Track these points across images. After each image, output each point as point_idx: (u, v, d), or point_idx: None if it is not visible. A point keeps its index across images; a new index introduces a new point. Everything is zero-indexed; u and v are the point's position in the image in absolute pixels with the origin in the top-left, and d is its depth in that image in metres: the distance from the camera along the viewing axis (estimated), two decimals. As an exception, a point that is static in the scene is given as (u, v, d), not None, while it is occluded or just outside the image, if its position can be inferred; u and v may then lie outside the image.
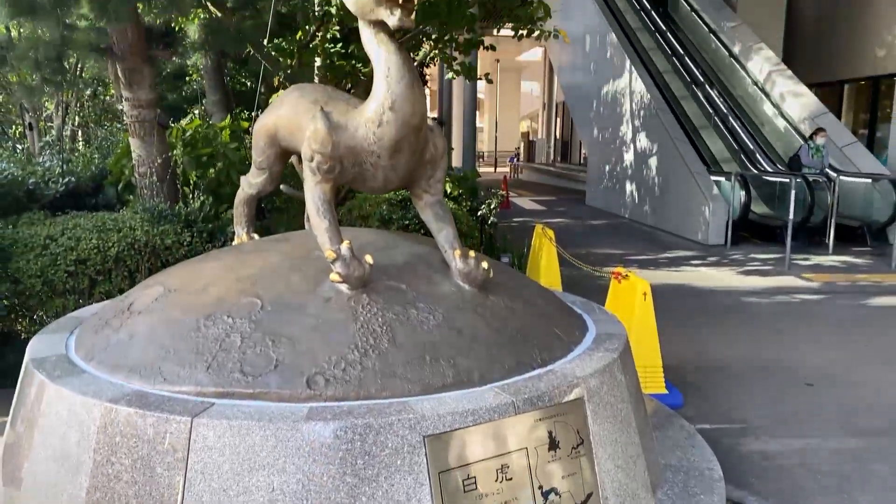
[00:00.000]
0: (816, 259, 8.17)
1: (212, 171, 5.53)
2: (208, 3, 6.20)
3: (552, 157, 30.19)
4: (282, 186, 3.32)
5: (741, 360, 4.58)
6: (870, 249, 8.81)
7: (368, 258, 2.29)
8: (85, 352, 2.32)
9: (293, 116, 2.61)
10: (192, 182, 5.55)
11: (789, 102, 11.03)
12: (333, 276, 2.23)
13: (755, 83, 11.91)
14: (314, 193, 2.37)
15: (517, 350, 2.24)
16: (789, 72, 11.45)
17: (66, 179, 5.46)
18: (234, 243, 3.19)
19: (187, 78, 11.16)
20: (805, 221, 8.82)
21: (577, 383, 2.14)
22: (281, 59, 6.37)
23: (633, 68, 12.08)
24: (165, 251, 4.37)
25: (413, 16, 2.24)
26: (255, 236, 3.15)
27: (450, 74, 7.65)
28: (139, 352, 2.16)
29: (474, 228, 6.49)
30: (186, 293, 2.38)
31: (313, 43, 6.42)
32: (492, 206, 7.18)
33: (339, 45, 7.11)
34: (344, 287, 2.25)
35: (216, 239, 4.63)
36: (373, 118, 2.28)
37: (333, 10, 5.68)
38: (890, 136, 10.03)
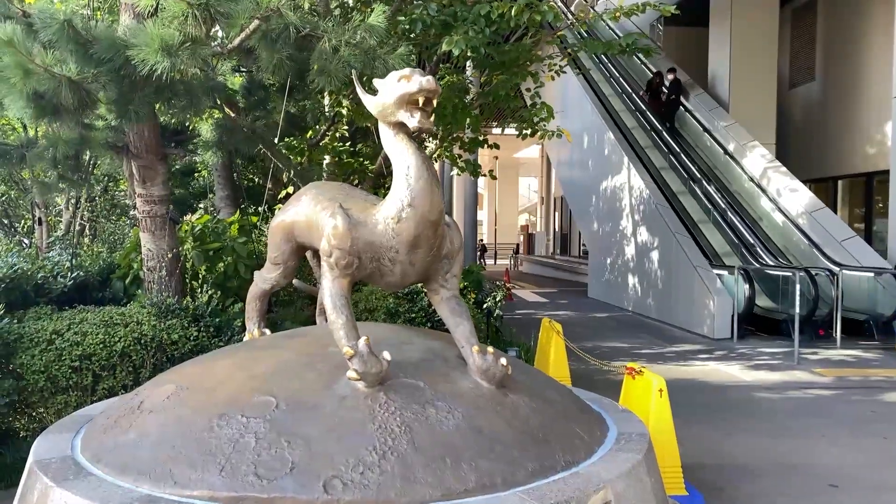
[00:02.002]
0: (825, 353, 8.07)
1: (220, 265, 5.57)
2: (222, 104, 6.44)
3: (551, 249, 30.51)
4: (294, 281, 3.33)
5: (760, 459, 4.44)
6: (878, 343, 8.74)
7: (386, 355, 2.26)
8: (92, 453, 2.25)
9: (310, 213, 2.65)
10: (200, 276, 5.57)
11: (786, 197, 11.25)
12: (350, 374, 2.20)
13: (751, 179, 12.20)
14: (332, 289, 2.37)
15: (540, 451, 2.17)
16: (784, 168, 11.75)
17: (75, 274, 5.47)
18: (245, 339, 3.16)
19: (196, 174, 11.44)
20: (811, 315, 8.78)
21: (604, 486, 2.06)
22: (291, 156, 6.55)
23: (631, 165, 12.40)
24: (171, 346, 4.32)
25: (432, 118, 2.32)
26: (267, 331, 3.13)
27: (455, 171, 7.86)
28: (149, 453, 2.09)
29: (480, 322, 6.45)
30: (199, 391, 2.33)
31: (323, 141, 6.62)
32: (497, 299, 7.18)
33: (347, 143, 7.34)
34: (361, 385, 2.21)
35: (223, 333, 4.59)
36: (392, 214, 2.31)
37: (344, 112, 5.90)
38: (889, 230, 10.16)
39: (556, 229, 30.33)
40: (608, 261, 13.78)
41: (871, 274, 9.37)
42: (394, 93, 2.26)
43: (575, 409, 2.58)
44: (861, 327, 9.22)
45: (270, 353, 2.52)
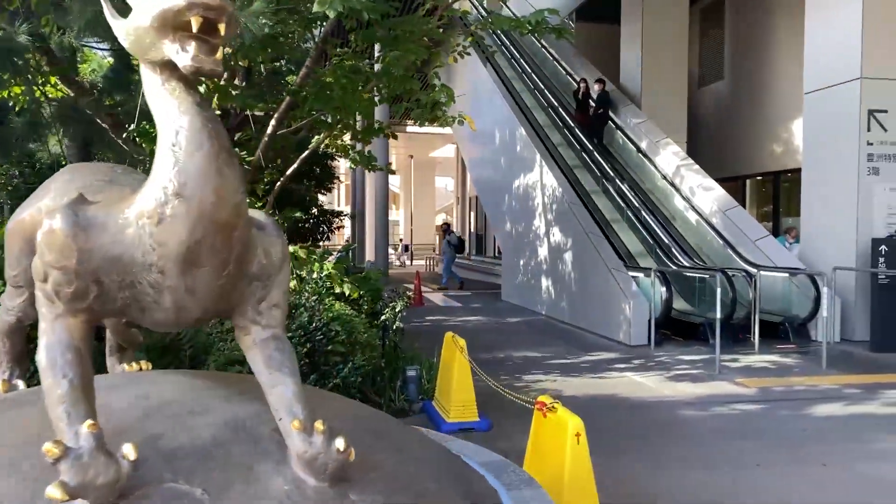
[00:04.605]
0: (745, 360, 7.67)
1: None
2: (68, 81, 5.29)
3: (468, 250, 30.01)
4: None
5: (691, 497, 3.79)
6: (795, 347, 8.45)
7: (129, 451, 1.34)
8: None
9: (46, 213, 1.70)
10: None
11: (699, 196, 10.96)
12: (51, 492, 1.25)
13: (664, 177, 11.88)
14: (49, 336, 1.43)
15: None
16: (696, 166, 11.48)
17: None
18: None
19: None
20: (729, 318, 8.40)
21: None
22: (146, 144, 5.46)
23: (543, 162, 11.84)
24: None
25: (220, 55, 1.43)
26: (21, 384, 2.14)
27: (348, 163, 6.95)
28: None
29: (374, 338, 5.57)
30: None
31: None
32: (397, 310, 6.31)
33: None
34: (79, 504, 1.28)
35: None
36: (149, 210, 1.41)
37: (202, 89, 4.88)
38: (801, 230, 10.00)
39: (472, 230, 29.86)
40: (521, 262, 13.20)
41: (786, 274, 9.12)
42: (151, 9, 1.35)
43: (458, 499, 1.74)
44: (777, 329, 8.95)
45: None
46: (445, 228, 18.42)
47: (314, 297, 5.05)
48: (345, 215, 13.88)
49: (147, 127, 5.46)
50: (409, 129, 34.67)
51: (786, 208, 13.58)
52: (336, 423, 1.55)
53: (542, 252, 11.95)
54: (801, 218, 9.87)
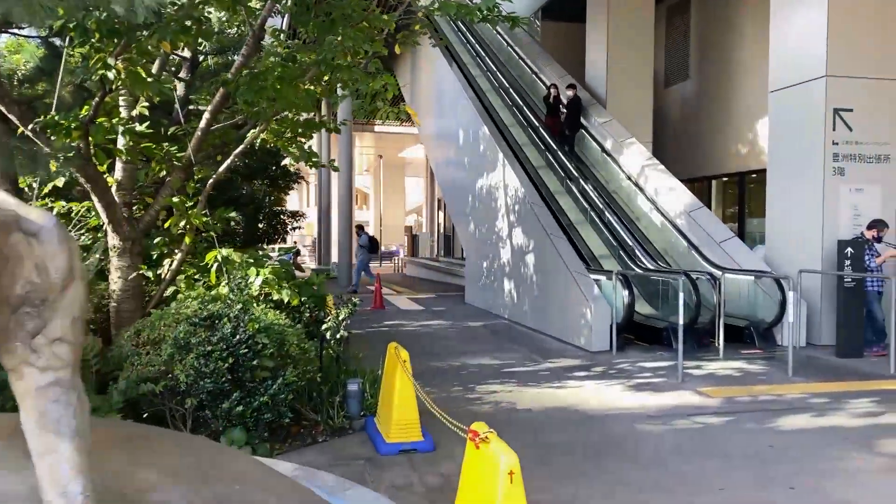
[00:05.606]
0: (709, 366, 7.38)
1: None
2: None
3: (436, 251, 29.61)
4: None
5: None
6: (760, 352, 8.19)
7: None
8: None
9: None
10: None
11: (664, 197, 10.70)
12: None
13: (629, 177, 11.61)
14: None
15: None
16: (661, 166, 11.22)
17: None
18: None
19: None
20: (693, 323, 8.11)
21: None
22: (55, 136, 4.93)
23: (506, 162, 11.47)
24: None
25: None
26: None
27: (288, 159, 6.47)
28: None
29: (309, 351, 5.12)
30: None
31: (100, 118, 5.06)
32: (340, 318, 5.86)
33: (146, 123, 5.80)
34: None
35: None
36: None
37: (111, 75, 4.38)
38: (766, 232, 9.77)
39: (442, 230, 29.47)
40: (484, 265, 12.82)
41: (752, 277, 8.87)
42: None
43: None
44: (741, 334, 8.69)
45: None
46: (358, 229, 17.90)
47: (238, 307, 4.58)
48: (301, 215, 13.34)
49: (57, 118, 4.95)
50: (377, 128, 34.20)
51: (751, 209, 13.42)
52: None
53: (505, 254, 11.59)
54: (766, 219, 9.64)
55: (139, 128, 5.71)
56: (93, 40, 4.26)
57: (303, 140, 7.88)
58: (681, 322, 6.76)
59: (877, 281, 7.92)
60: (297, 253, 18.32)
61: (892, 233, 8.57)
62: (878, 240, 8.04)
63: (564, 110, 13.13)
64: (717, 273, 8.72)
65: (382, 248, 34.72)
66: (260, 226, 11.30)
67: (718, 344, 7.99)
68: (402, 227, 43.21)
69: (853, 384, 6.57)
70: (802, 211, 8.82)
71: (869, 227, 8.08)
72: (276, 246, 11.76)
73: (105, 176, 5.70)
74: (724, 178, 14.30)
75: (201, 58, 10.97)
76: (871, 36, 8.57)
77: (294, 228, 12.89)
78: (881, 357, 7.59)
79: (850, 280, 7.82)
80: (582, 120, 13.01)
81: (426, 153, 21.35)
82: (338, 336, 5.81)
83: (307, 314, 6.07)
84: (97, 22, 4.08)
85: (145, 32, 4.59)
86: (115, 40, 4.22)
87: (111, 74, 4.35)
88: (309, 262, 29.66)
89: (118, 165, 5.95)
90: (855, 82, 8.51)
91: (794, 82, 8.94)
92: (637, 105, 13.98)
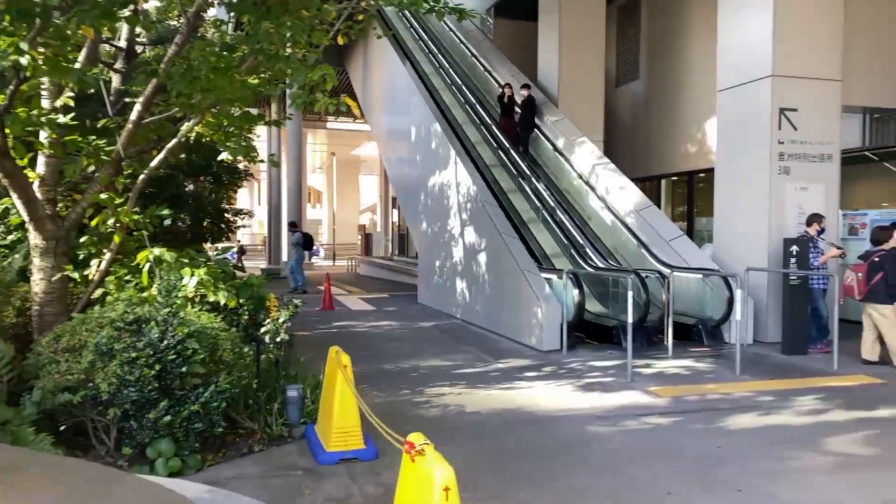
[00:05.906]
0: (658, 365, 7.36)
1: None
2: None
3: (390, 250, 29.32)
4: None
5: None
6: (708, 350, 8.23)
7: None
8: None
9: None
10: None
11: (614, 195, 10.70)
12: None
13: (580, 176, 11.59)
14: None
15: None
16: (612, 165, 11.22)
17: None
18: None
19: None
20: (642, 321, 8.10)
21: None
22: (9, 130, 4.56)
23: (458, 159, 11.32)
24: None
25: None
26: None
27: (224, 154, 6.18)
28: None
29: (245, 356, 4.86)
30: None
31: (16, 108, 4.70)
32: (281, 321, 5.60)
33: (71, 115, 5.44)
34: None
35: None
36: None
37: (25, 61, 4.04)
38: (714, 230, 9.85)
39: (396, 229, 29.19)
40: (437, 264, 12.65)
41: (700, 275, 8.91)
42: None
43: None
44: (690, 332, 8.73)
45: None
46: (291, 226, 17.52)
47: (166, 310, 4.30)
48: (247, 213, 12.94)
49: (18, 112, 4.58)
50: (329, 125, 33.65)
51: (700, 208, 13.58)
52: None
53: (458, 253, 11.44)
54: (714, 218, 9.72)
55: (62, 119, 5.35)
56: (3, 23, 3.93)
57: (251, 136, 7.58)
58: (629, 320, 6.71)
59: (821, 278, 8.03)
60: (242, 252, 17.79)
61: (831, 231, 8.73)
62: (821, 231, 8.14)
63: (518, 110, 13.04)
64: (666, 271, 8.73)
65: (337, 246, 34.24)
66: (204, 224, 10.90)
67: (667, 342, 7.99)
68: (355, 224, 42.79)
69: (798, 381, 6.62)
70: (749, 209, 8.91)
71: (808, 224, 8.19)
72: (219, 245, 11.36)
73: (26, 171, 5.34)
74: (674, 178, 14.45)
75: (140, 49, 10.49)
76: (815, 36, 8.69)
77: (239, 227, 12.49)
78: (825, 354, 7.70)
79: (795, 278, 7.91)
80: (536, 120, 12.94)
81: (379, 151, 21.06)
82: (278, 339, 5.57)
83: (246, 317, 5.79)
84: (6, 2, 3.76)
85: (65, 16, 4.27)
86: (27, 24, 3.90)
87: (24, 60, 4.01)
88: (258, 262, 29.00)
89: (40, 160, 5.58)
90: (800, 82, 8.62)
91: (741, 82, 9.02)
92: (589, 104, 14.01)
